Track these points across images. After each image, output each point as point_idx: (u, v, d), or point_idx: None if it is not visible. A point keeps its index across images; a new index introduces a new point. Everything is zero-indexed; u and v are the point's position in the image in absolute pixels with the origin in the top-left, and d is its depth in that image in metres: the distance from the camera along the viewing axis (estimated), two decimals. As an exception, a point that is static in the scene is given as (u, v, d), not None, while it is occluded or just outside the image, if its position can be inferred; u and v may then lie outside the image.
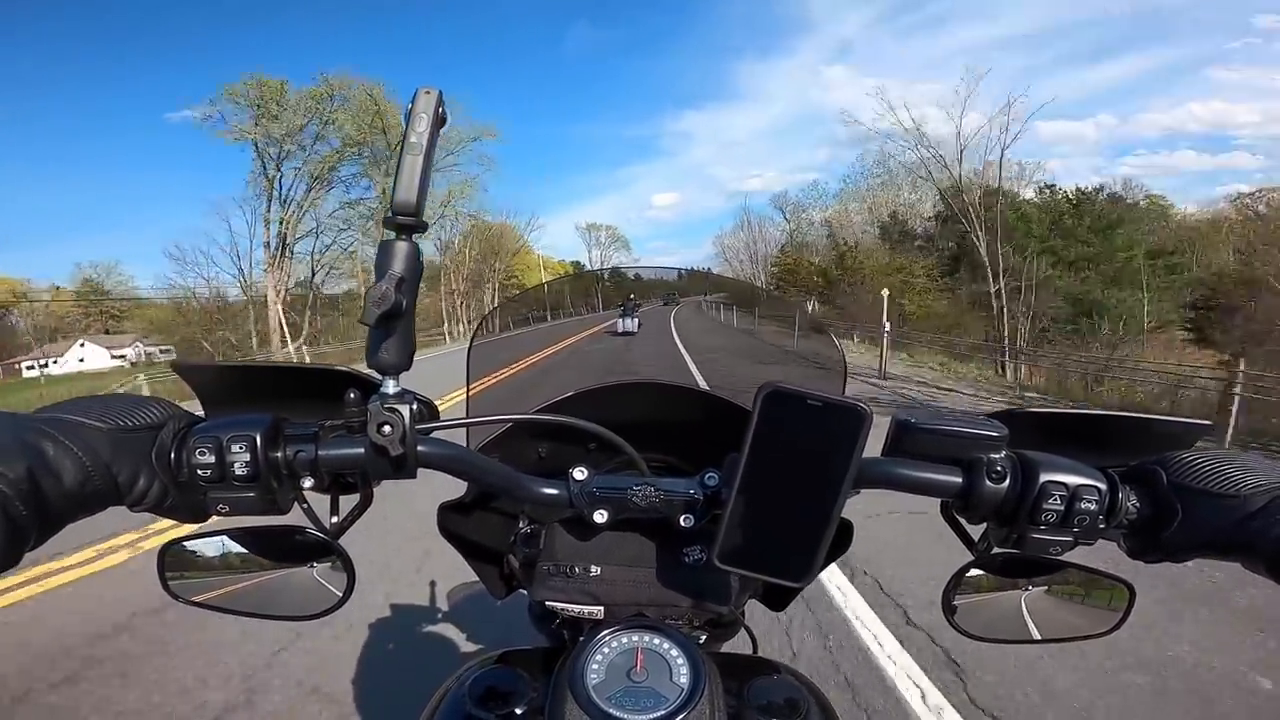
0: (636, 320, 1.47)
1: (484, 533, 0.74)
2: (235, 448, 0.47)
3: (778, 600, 0.82)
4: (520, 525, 0.72)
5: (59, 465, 0.41)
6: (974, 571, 0.58)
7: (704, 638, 0.77)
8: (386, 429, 0.47)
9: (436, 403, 0.57)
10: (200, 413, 0.54)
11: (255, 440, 0.47)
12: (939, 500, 0.53)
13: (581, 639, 0.57)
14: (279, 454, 0.49)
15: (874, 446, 0.51)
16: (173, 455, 0.47)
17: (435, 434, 0.53)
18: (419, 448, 0.50)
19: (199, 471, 0.47)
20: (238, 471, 0.47)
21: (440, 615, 2.62)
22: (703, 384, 0.88)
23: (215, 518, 0.51)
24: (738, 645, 0.82)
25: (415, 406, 0.50)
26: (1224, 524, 0.44)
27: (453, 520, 0.71)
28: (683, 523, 0.57)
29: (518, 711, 0.58)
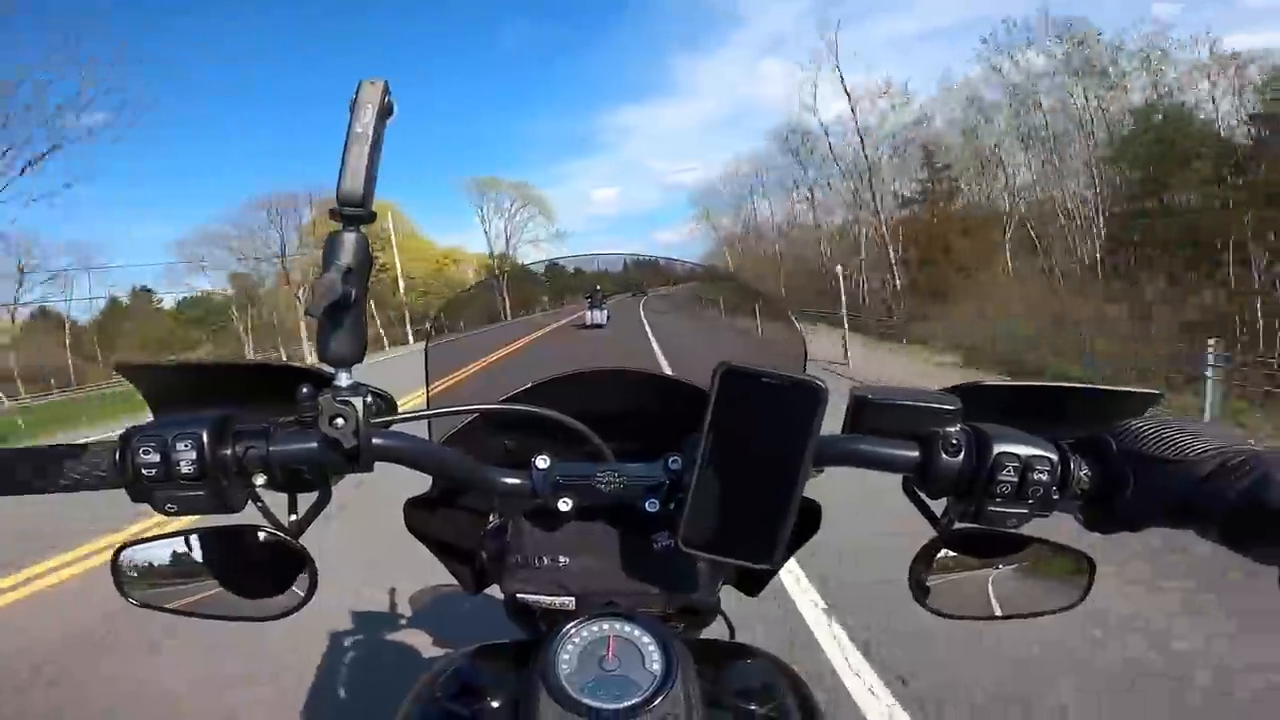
0: (605, 312, 1.45)
1: (454, 528, 0.74)
2: (180, 445, 0.46)
3: (752, 585, 0.83)
4: (491, 519, 0.72)
5: None
6: (943, 552, 0.58)
7: (681, 626, 0.77)
8: (339, 422, 0.47)
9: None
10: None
11: (201, 437, 0.46)
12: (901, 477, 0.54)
13: (554, 630, 0.57)
14: (228, 451, 0.48)
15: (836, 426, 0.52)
16: (116, 456, 0.47)
17: (395, 428, 0.52)
18: (374, 441, 0.50)
19: (144, 471, 0.46)
20: (183, 470, 0.46)
21: (405, 620, 2.61)
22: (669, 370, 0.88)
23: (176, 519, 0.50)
24: (716, 632, 0.83)
25: (370, 399, 0.50)
26: (1175, 490, 0.44)
27: (420, 517, 0.70)
28: (647, 507, 0.57)
29: (494, 705, 0.57)
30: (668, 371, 0.78)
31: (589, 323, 1.44)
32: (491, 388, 0.77)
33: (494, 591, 0.73)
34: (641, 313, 1.50)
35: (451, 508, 0.73)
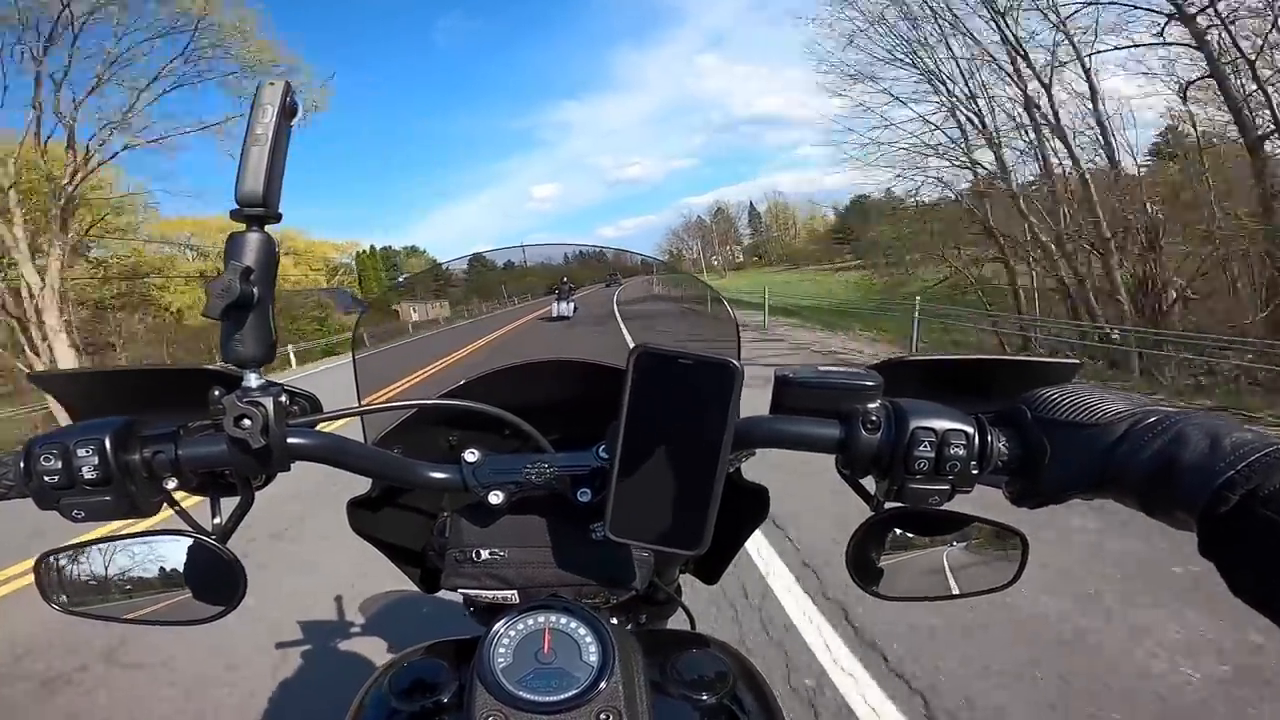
0: (572, 304, 1.43)
1: (402, 528, 0.73)
2: (81, 451, 0.45)
3: (709, 573, 0.83)
4: (441, 517, 0.71)
5: None
6: (879, 532, 0.58)
7: (644, 617, 0.77)
8: (246, 422, 0.46)
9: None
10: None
11: (104, 442, 0.46)
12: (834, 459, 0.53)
13: (492, 623, 0.56)
14: (134, 455, 0.47)
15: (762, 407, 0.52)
16: (22, 465, 0.46)
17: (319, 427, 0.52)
18: (289, 440, 0.49)
19: (46, 478, 0.46)
20: (86, 475, 0.45)
21: (356, 626, 2.62)
22: (624, 331, 0.88)
23: (85, 527, 0.50)
24: (678, 623, 0.82)
25: (284, 399, 0.49)
26: (1091, 456, 0.44)
27: (364, 517, 0.69)
28: (579, 497, 0.56)
29: (443, 700, 0.57)
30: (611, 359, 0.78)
31: (555, 315, 1.43)
32: (433, 383, 0.76)
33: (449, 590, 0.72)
34: (615, 305, 1.48)
35: (398, 507, 0.72)
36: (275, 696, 2.36)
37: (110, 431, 0.46)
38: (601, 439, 0.57)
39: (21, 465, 0.47)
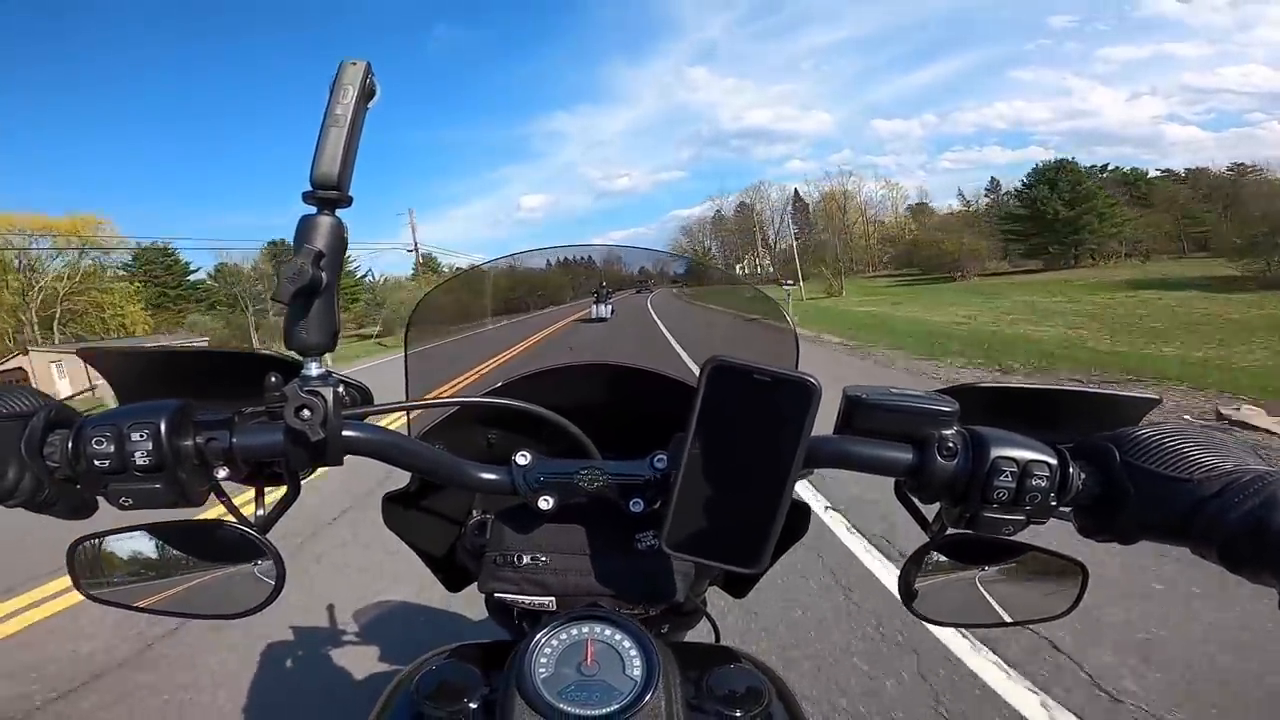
0: (610, 306, 1.43)
1: (433, 525, 0.72)
2: (136, 435, 0.44)
3: (739, 587, 0.81)
4: (472, 516, 0.70)
5: None
6: (933, 556, 0.57)
7: (665, 627, 0.76)
8: (305, 413, 0.45)
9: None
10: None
11: (159, 427, 0.44)
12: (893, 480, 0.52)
13: (531, 631, 0.55)
14: (188, 442, 0.46)
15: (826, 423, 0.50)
16: (70, 446, 0.45)
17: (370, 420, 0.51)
18: (344, 433, 0.48)
19: (96, 462, 0.44)
20: (139, 461, 0.44)
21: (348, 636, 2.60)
22: (681, 353, 0.86)
23: (126, 512, 0.48)
24: (700, 633, 0.81)
25: (341, 389, 0.48)
26: (1176, 508, 0.43)
27: (398, 512, 0.68)
28: (631, 507, 0.55)
29: (471, 706, 0.55)
30: (680, 353, 0.76)
31: (594, 316, 1.43)
32: (478, 380, 0.75)
33: (473, 590, 0.71)
34: (650, 307, 1.48)
35: (430, 504, 0.71)
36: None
37: (165, 415, 0.45)
38: (647, 446, 0.55)
39: (70, 446, 0.45)
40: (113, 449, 0.44)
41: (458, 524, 0.72)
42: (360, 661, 2.40)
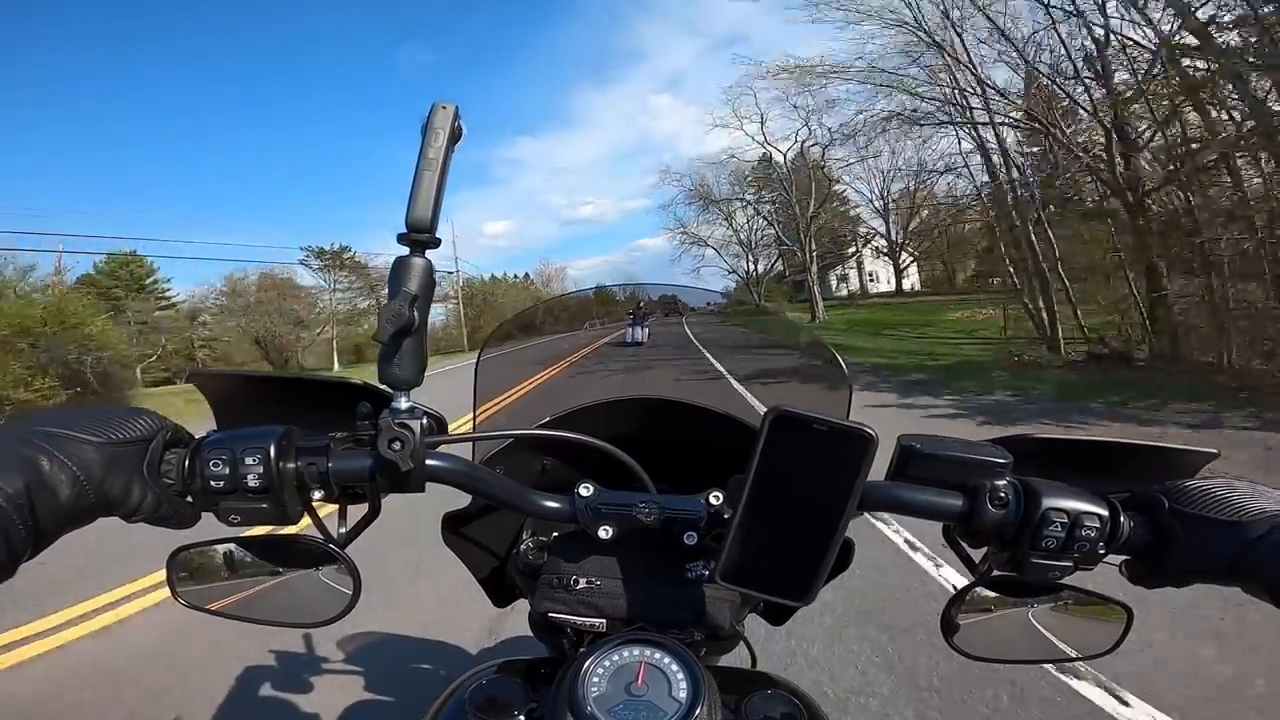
0: (646, 330, 1.47)
1: (486, 543, 0.75)
2: (249, 459, 0.47)
3: (778, 616, 0.82)
4: (524, 536, 0.73)
5: (54, 481, 0.42)
6: (976, 591, 0.59)
7: (704, 651, 0.77)
8: (397, 445, 0.48)
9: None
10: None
11: (269, 452, 0.47)
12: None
13: (582, 650, 0.57)
14: (291, 465, 0.49)
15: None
16: (186, 465, 0.48)
17: (441, 448, 0.54)
18: (427, 462, 0.51)
19: (212, 482, 0.47)
20: (250, 483, 0.47)
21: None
22: (724, 371, 0.88)
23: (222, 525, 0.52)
24: (737, 658, 0.82)
25: (425, 421, 0.51)
26: (1225, 550, 0.44)
27: (456, 530, 0.71)
28: (685, 540, 0.57)
29: (520, 719, 0.58)
30: (721, 371, 0.79)
31: (630, 339, 1.46)
32: (540, 402, 0.78)
33: (518, 607, 0.73)
34: (685, 328, 1.51)
35: (485, 524, 0.74)
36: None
37: (274, 441, 0.48)
38: (698, 475, 0.57)
39: (187, 465, 0.48)
40: (228, 471, 0.47)
41: (507, 543, 0.75)
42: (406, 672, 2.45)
